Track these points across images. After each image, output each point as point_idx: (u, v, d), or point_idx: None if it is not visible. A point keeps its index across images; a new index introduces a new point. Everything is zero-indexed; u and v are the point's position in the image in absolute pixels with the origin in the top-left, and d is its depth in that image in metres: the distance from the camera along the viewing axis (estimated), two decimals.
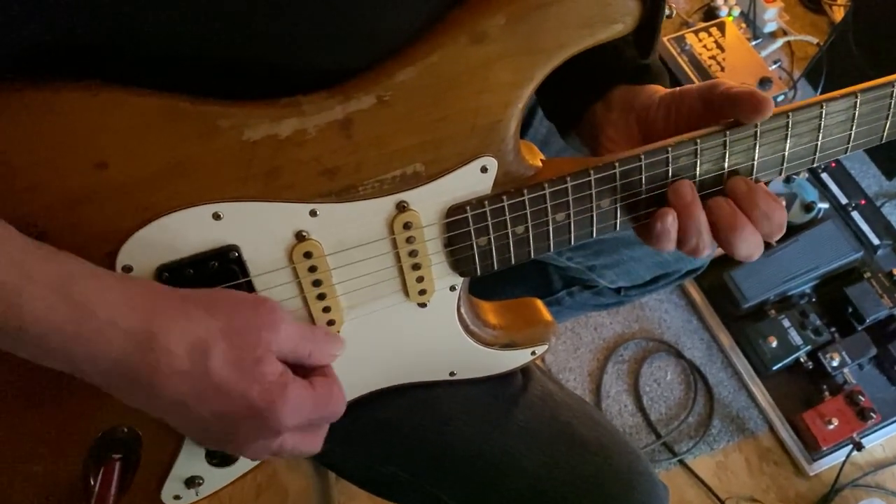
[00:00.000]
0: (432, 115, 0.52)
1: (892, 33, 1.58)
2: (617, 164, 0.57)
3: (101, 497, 0.55)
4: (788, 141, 0.60)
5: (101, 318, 0.43)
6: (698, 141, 0.58)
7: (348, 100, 0.50)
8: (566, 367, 1.52)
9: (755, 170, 0.61)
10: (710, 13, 1.91)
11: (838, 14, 2.00)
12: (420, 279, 0.59)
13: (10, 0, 0.40)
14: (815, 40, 1.95)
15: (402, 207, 0.55)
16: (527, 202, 0.57)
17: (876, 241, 1.57)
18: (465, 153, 0.55)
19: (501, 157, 0.56)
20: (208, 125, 0.48)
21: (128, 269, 0.50)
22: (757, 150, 0.59)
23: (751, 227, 0.58)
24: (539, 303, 0.73)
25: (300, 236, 0.53)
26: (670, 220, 0.57)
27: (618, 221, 0.60)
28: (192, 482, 0.63)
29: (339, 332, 0.60)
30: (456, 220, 0.57)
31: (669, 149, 0.57)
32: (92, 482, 0.56)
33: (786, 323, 1.46)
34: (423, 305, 0.62)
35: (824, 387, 1.42)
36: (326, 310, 0.58)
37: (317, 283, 0.56)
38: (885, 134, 0.63)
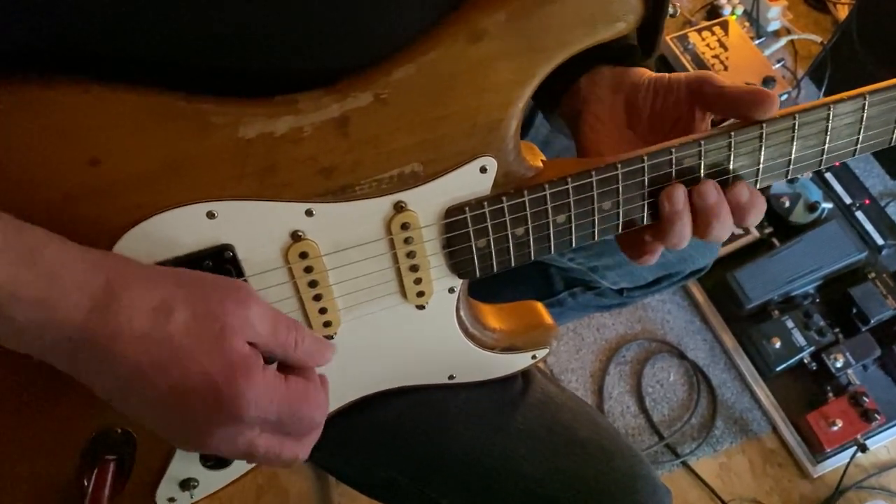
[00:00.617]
0: (431, 114, 0.52)
1: None
2: (619, 166, 0.56)
3: (94, 498, 0.55)
4: (795, 143, 0.59)
5: (66, 283, 0.42)
6: (703, 143, 0.57)
7: (345, 98, 0.49)
8: (568, 367, 1.51)
9: (760, 172, 0.60)
10: (713, 12, 1.90)
11: (842, 12, 1.99)
12: (418, 281, 0.59)
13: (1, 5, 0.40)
14: (818, 39, 1.94)
15: (399, 208, 0.54)
16: (527, 203, 0.56)
17: (880, 241, 1.56)
18: (465, 153, 0.54)
19: (501, 157, 0.55)
20: (202, 122, 0.47)
21: None
22: (763, 153, 0.58)
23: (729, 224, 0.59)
24: (540, 306, 0.72)
25: (296, 236, 0.53)
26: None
27: (620, 223, 0.60)
28: (186, 484, 0.62)
29: (336, 333, 0.59)
30: (455, 221, 0.56)
31: (673, 150, 0.57)
32: (86, 483, 0.56)
33: (789, 324, 1.45)
34: (421, 307, 0.61)
35: (828, 388, 1.42)
36: (323, 311, 0.57)
37: (313, 284, 0.55)
38: (894, 137, 0.62)
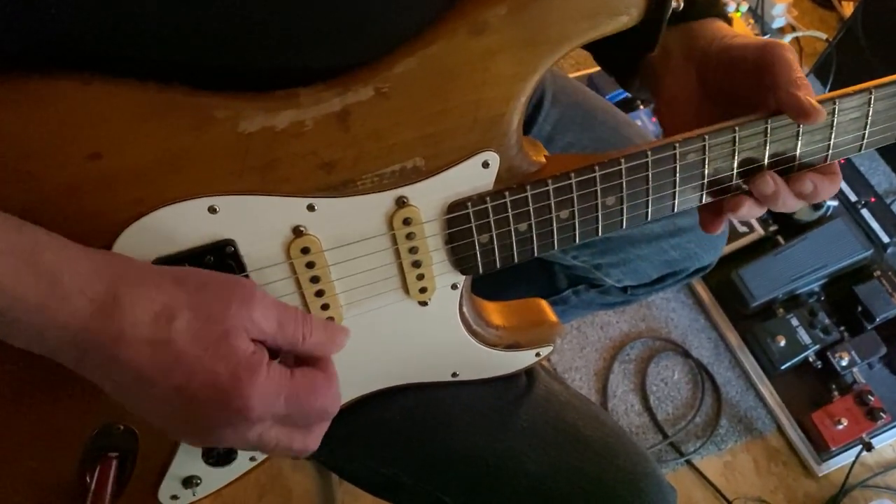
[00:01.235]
0: (432, 108, 0.51)
1: None
2: (623, 161, 0.56)
3: (97, 496, 0.55)
4: (800, 139, 0.58)
5: (67, 286, 0.42)
6: (706, 137, 0.56)
7: (346, 91, 0.49)
8: (572, 366, 1.51)
9: (765, 169, 0.59)
10: None
11: (847, 9, 1.98)
12: (420, 277, 0.58)
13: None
14: (823, 36, 1.93)
15: (401, 203, 0.54)
16: (529, 198, 0.56)
17: (886, 239, 1.56)
18: (466, 147, 0.54)
19: (504, 151, 0.55)
20: (203, 116, 0.47)
21: None
22: (767, 148, 0.58)
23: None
24: (544, 303, 0.72)
25: (297, 231, 0.52)
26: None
27: (624, 219, 0.59)
28: (189, 482, 0.62)
29: None
30: (457, 217, 0.56)
31: (677, 145, 0.56)
32: (88, 480, 0.56)
33: (794, 322, 1.45)
34: (423, 304, 0.61)
35: (833, 386, 1.41)
36: (325, 307, 0.57)
37: (315, 280, 0.55)
38: None
